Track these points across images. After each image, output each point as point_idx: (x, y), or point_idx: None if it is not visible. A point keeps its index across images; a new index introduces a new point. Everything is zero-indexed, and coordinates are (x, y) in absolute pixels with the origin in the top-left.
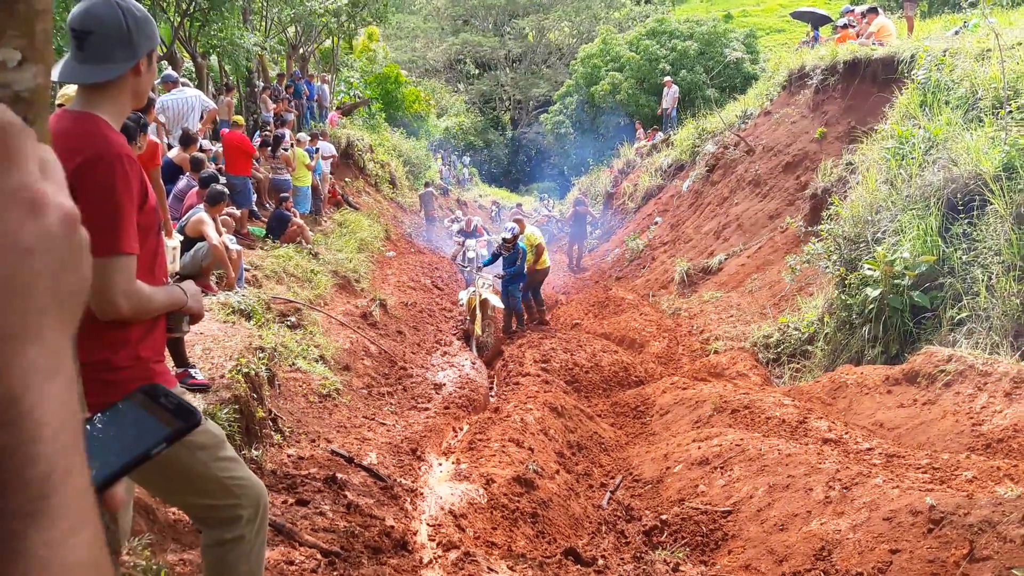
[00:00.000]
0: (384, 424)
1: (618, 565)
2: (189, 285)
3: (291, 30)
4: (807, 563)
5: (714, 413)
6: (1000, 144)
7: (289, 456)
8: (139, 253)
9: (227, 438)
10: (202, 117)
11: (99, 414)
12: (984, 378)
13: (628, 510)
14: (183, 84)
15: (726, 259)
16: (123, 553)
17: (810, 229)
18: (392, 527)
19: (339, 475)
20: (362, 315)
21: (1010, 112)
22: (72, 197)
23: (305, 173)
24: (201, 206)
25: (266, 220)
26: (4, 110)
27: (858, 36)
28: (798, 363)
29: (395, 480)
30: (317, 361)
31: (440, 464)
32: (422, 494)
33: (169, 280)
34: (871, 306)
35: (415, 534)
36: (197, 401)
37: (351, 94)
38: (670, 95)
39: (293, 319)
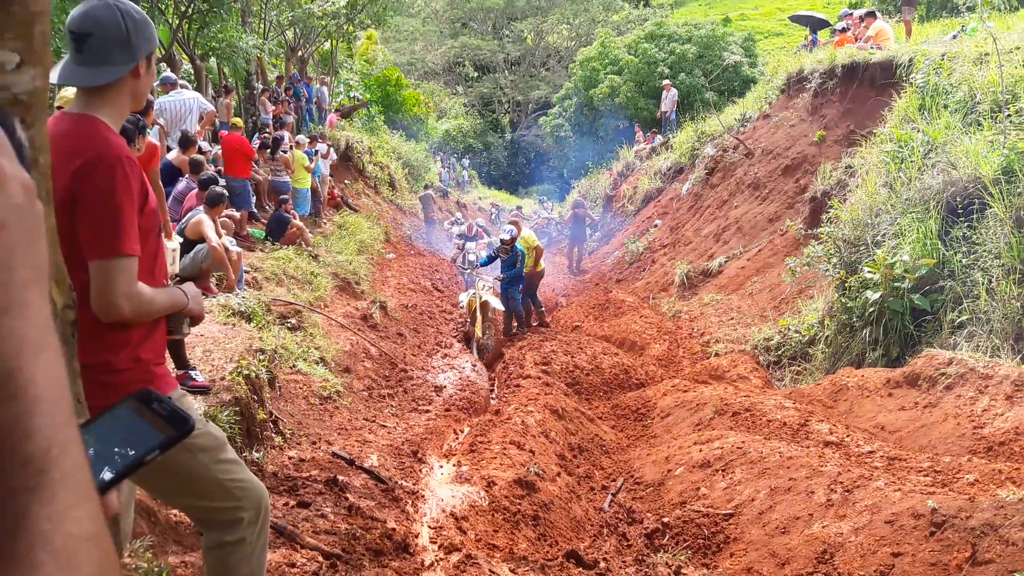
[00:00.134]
0: (385, 426)
1: (620, 568)
2: (190, 287)
3: (290, 33)
4: (809, 566)
5: (715, 416)
6: (999, 148)
7: (290, 458)
8: (140, 255)
9: (228, 440)
10: (201, 119)
11: (93, 421)
12: (985, 381)
13: (630, 513)
14: (182, 86)
15: (726, 262)
16: (124, 555)
17: (810, 232)
18: (393, 529)
19: (340, 477)
20: (362, 317)
21: (1008, 116)
22: (72, 199)
23: (304, 175)
24: (201, 208)
25: (266, 222)
26: None
27: (856, 40)
28: (799, 366)
29: (396, 482)
30: (318, 363)
31: (441, 466)
32: (423, 496)
33: (169, 282)
34: (871, 309)
35: (416, 536)
36: (198, 403)
37: (350, 96)
38: (669, 98)
39: (293, 321)
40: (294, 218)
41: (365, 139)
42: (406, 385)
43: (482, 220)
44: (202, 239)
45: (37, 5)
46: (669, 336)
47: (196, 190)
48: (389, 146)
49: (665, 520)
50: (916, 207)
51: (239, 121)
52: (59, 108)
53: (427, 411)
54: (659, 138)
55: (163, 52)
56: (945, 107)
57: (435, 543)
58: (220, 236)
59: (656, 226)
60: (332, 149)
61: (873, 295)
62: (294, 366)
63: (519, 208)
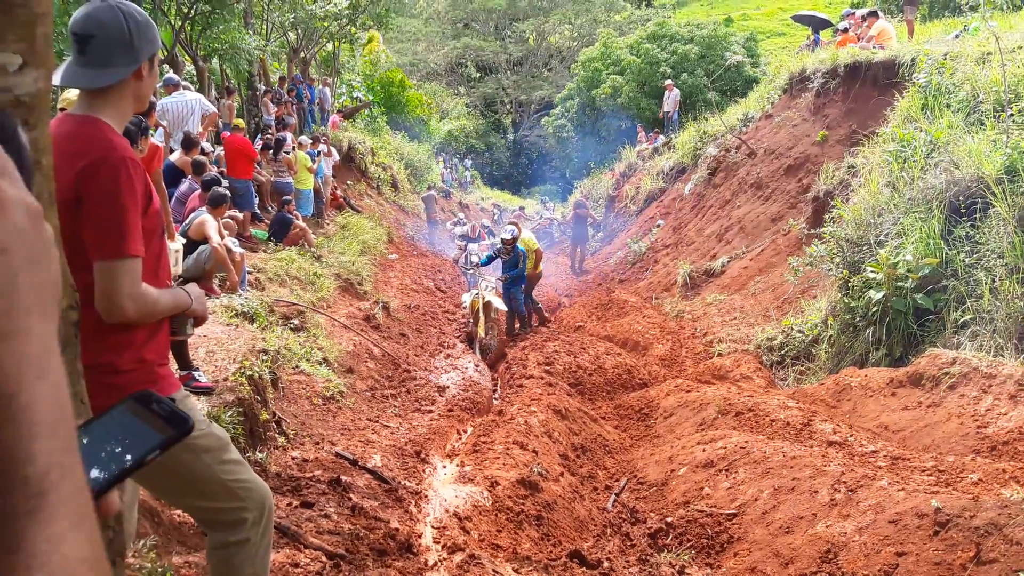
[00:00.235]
0: (388, 426)
1: (623, 568)
2: (193, 288)
3: (292, 34)
4: (813, 566)
5: (718, 415)
6: (1002, 147)
7: (293, 458)
8: (144, 256)
9: (231, 441)
10: (203, 121)
11: (92, 422)
12: (988, 380)
13: (633, 512)
14: (184, 88)
15: (729, 262)
16: (128, 555)
17: (812, 232)
18: (397, 529)
19: (343, 477)
20: (365, 318)
21: (1011, 115)
22: (76, 201)
23: (307, 176)
24: (204, 209)
25: (268, 223)
26: None
27: (858, 40)
28: (802, 365)
29: (399, 482)
30: (320, 364)
31: (444, 466)
32: (427, 496)
33: (172, 283)
34: (875, 308)
35: (420, 536)
36: (201, 404)
37: (353, 97)
38: (671, 98)
39: (296, 322)
40: (297, 219)
41: (367, 140)
42: (409, 385)
43: (487, 221)
44: (205, 240)
45: (40, 7)
46: (672, 336)
47: (199, 191)
48: (391, 147)
49: (669, 520)
50: (919, 207)
51: (241, 122)
52: (62, 110)
53: (430, 411)
54: (661, 138)
55: (165, 53)
56: (948, 106)
57: (438, 543)
58: (223, 237)
59: (659, 226)
60: (335, 150)
61: (876, 295)
62: (297, 367)
63: (521, 208)
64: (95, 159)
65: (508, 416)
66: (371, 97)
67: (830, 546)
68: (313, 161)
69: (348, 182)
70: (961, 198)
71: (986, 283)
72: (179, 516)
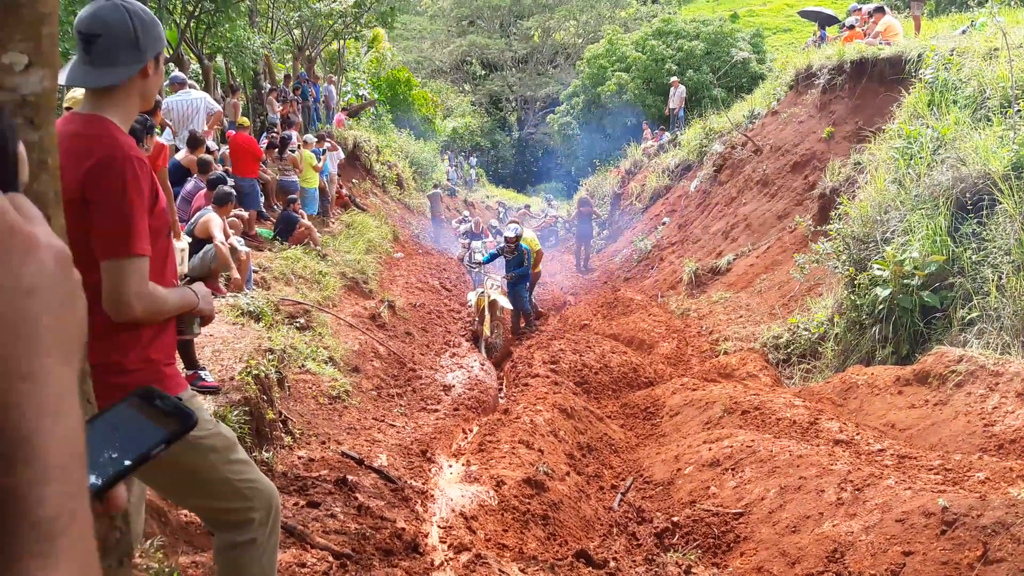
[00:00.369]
0: (394, 426)
1: (630, 567)
2: (200, 287)
3: (297, 32)
4: (820, 565)
5: (724, 414)
6: (1009, 143)
7: (300, 458)
8: (151, 255)
9: (238, 440)
10: (208, 119)
11: (96, 418)
12: (996, 378)
13: (639, 512)
14: (190, 86)
15: (735, 259)
16: (135, 555)
17: (819, 229)
18: (403, 529)
19: (350, 477)
20: (371, 316)
21: (1018, 111)
22: (83, 200)
23: (312, 175)
24: (210, 207)
25: (274, 222)
26: None
27: (865, 36)
28: (808, 364)
29: (405, 482)
30: (326, 363)
31: (450, 466)
32: (433, 496)
33: (179, 282)
34: (881, 306)
35: (426, 536)
36: (207, 403)
37: (358, 95)
38: (677, 95)
39: (302, 321)
40: (302, 218)
41: (373, 138)
42: (415, 384)
43: (494, 221)
44: (211, 239)
45: (45, 7)
46: (678, 334)
47: (204, 190)
48: (397, 145)
49: (675, 519)
50: (925, 203)
51: (246, 121)
52: (67, 109)
53: (436, 410)
54: (667, 135)
55: (171, 52)
56: (954, 103)
57: (445, 543)
58: (228, 236)
59: (664, 224)
60: (340, 148)
61: (883, 292)
62: (303, 366)
63: (527, 207)
64: (102, 158)
65: (514, 415)
66: (376, 95)
67: (837, 545)
68: (318, 159)
69: (353, 180)
70: (968, 195)
71: (993, 280)
72: (186, 516)
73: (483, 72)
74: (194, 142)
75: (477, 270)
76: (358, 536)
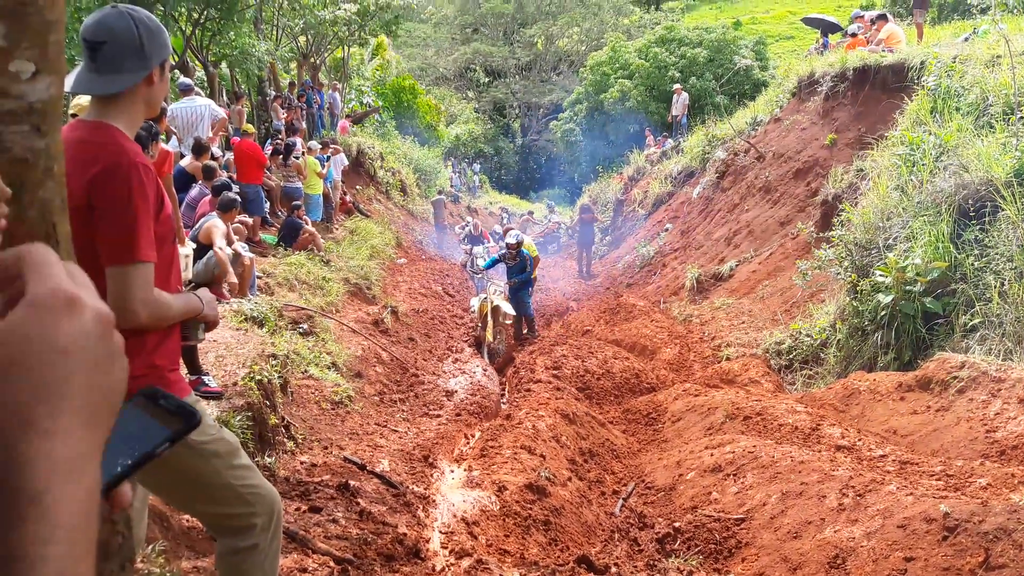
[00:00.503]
0: (396, 431)
1: (631, 573)
2: (204, 293)
3: (302, 39)
4: (821, 571)
5: (726, 420)
6: (1011, 150)
7: (302, 463)
8: (156, 261)
9: (240, 445)
10: (213, 126)
11: None
12: (998, 384)
13: (641, 517)
14: (196, 93)
15: (737, 265)
16: (137, 560)
17: (821, 235)
18: (405, 534)
19: (352, 482)
20: (374, 322)
21: (1021, 118)
22: (89, 207)
23: (316, 181)
24: (214, 213)
25: (278, 228)
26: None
27: (868, 43)
28: (810, 370)
29: (408, 487)
30: (329, 368)
31: (452, 471)
32: (434, 501)
33: (183, 288)
34: (883, 312)
35: (428, 542)
36: (211, 408)
37: (362, 102)
38: (680, 102)
39: (305, 326)
40: (306, 224)
41: (377, 145)
42: (417, 390)
43: (497, 226)
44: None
45: (52, 15)
46: (680, 340)
47: (209, 196)
48: (400, 151)
49: (676, 525)
50: (928, 210)
51: (251, 127)
52: (73, 116)
53: (438, 416)
54: (670, 142)
55: (176, 59)
56: (957, 110)
57: (446, 548)
58: (232, 242)
59: (667, 230)
60: (344, 155)
61: (885, 298)
62: (306, 371)
63: (530, 213)
64: (108, 165)
65: (516, 420)
66: (380, 102)
67: (838, 551)
68: (323, 166)
69: (357, 187)
70: (970, 201)
71: (995, 287)
72: (188, 521)
73: (487, 79)
74: (199, 149)
75: (480, 276)
76: (360, 541)
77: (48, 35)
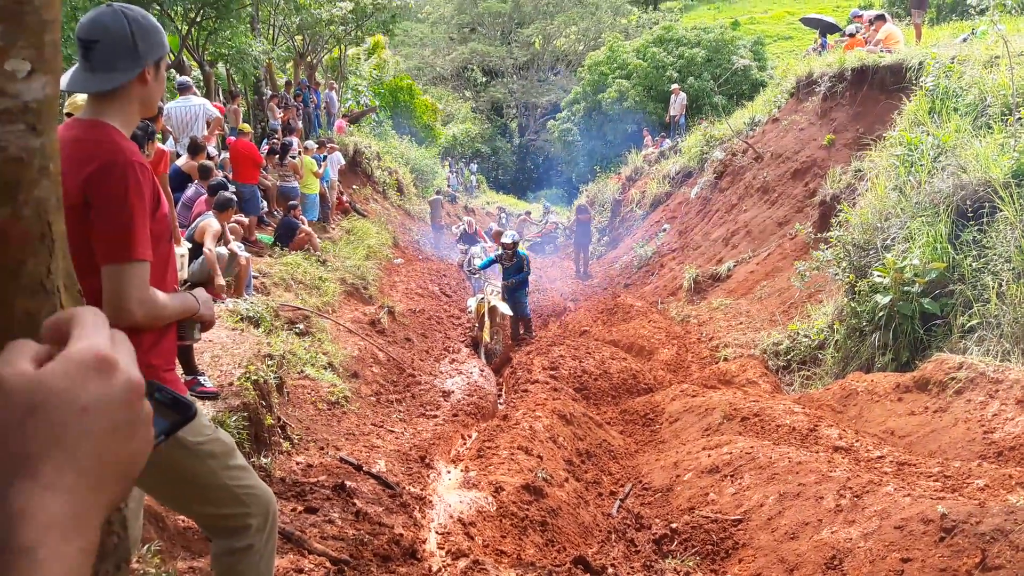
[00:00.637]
0: (393, 431)
1: (628, 574)
2: (200, 292)
3: (298, 38)
4: (818, 572)
5: (724, 421)
6: (1009, 151)
7: (298, 463)
8: (152, 260)
9: (236, 446)
10: (208, 126)
11: None
12: (995, 385)
13: (638, 518)
14: (193, 92)
15: (735, 266)
16: (133, 561)
17: (819, 236)
18: (401, 535)
19: (348, 483)
20: (370, 322)
21: (1019, 119)
22: (85, 205)
23: (313, 181)
24: (210, 212)
25: (274, 228)
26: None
27: (866, 43)
28: (808, 370)
29: (404, 488)
30: (325, 368)
31: (449, 472)
32: (431, 502)
33: (179, 288)
34: (881, 313)
35: (424, 542)
36: (206, 409)
37: (359, 101)
38: (678, 102)
39: (301, 326)
40: (303, 223)
41: (373, 144)
42: (414, 390)
43: (494, 224)
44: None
45: (48, 14)
46: (678, 341)
47: (205, 196)
48: (397, 151)
49: (673, 526)
50: (926, 211)
51: (247, 127)
52: (68, 115)
53: (435, 416)
54: (668, 142)
55: (172, 58)
56: (955, 110)
57: (442, 549)
58: (228, 241)
59: (664, 230)
60: (340, 154)
61: (883, 299)
62: (302, 371)
63: (528, 213)
64: (104, 163)
65: (513, 421)
66: (377, 102)
67: (835, 552)
68: (319, 165)
69: (354, 186)
70: (968, 202)
71: (993, 287)
72: (184, 522)
73: (484, 79)
74: (195, 148)
75: (477, 276)
76: (356, 542)
77: (44, 34)
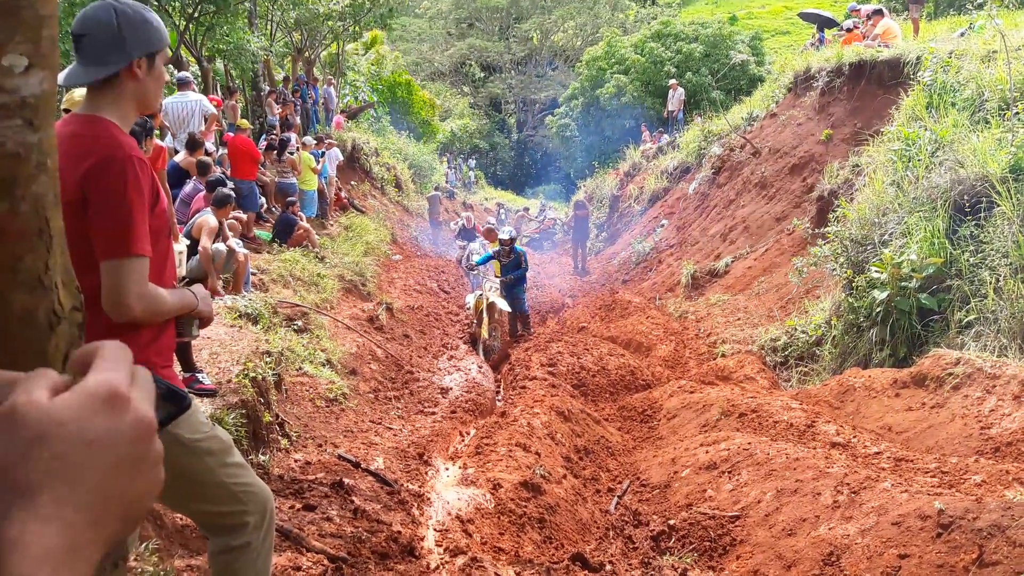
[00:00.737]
0: (391, 428)
1: (626, 571)
2: (199, 289)
3: (296, 34)
4: (816, 568)
5: (722, 417)
6: (1007, 146)
7: (296, 461)
8: (151, 255)
9: (234, 443)
10: (205, 121)
11: None
12: (992, 381)
13: (636, 515)
14: (192, 88)
15: (733, 262)
16: (130, 559)
17: (817, 231)
18: (399, 532)
19: (346, 480)
20: (368, 319)
21: (1017, 114)
22: (83, 201)
23: (311, 177)
24: (208, 209)
25: (272, 224)
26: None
27: (863, 38)
28: (806, 366)
29: (402, 485)
30: (324, 365)
31: (447, 469)
32: (429, 499)
33: (177, 284)
34: (878, 309)
35: (422, 540)
36: (204, 406)
37: (357, 97)
38: (676, 97)
39: (300, 323)
40: (301, 220)
41: (372, 140)
42: (412, 387)
43: (492, 219)
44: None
45: (46, 9)
46: (675, 337)
47: (203, 192)
48: (395, 147)
49: (671, 522)
50: (923, 206)
51: (245, 123)
52: (66, 111)
53: (433, 413)
54: (666, 137)
55: (170, 54)
56: (953, 105)
57: (441, 546)
58: (226, 238)
59: (662, 226)
60: (338, 150)
61: (880, 295)
62: (300, 368)
63: (526, 209)
64: (102, 158)
65: (511, 418)
66: (375, 98)
67: (833, 548)
68: (317, 162)
69: (352, 183)
70: (966, 197)
71: (990, 283)
72: (181, 519)
73: (482, 74)
74: (193, 144)
75: (475, 272)
76: (354, 539)
77: (41, 30)
